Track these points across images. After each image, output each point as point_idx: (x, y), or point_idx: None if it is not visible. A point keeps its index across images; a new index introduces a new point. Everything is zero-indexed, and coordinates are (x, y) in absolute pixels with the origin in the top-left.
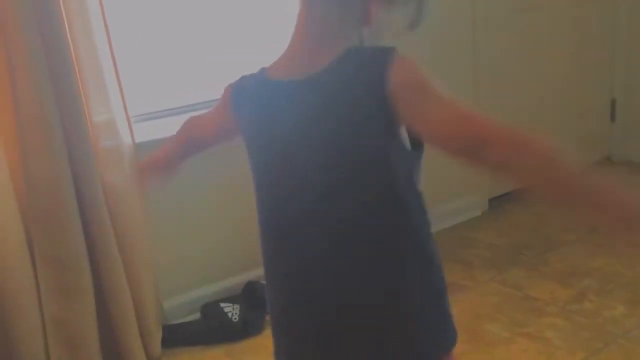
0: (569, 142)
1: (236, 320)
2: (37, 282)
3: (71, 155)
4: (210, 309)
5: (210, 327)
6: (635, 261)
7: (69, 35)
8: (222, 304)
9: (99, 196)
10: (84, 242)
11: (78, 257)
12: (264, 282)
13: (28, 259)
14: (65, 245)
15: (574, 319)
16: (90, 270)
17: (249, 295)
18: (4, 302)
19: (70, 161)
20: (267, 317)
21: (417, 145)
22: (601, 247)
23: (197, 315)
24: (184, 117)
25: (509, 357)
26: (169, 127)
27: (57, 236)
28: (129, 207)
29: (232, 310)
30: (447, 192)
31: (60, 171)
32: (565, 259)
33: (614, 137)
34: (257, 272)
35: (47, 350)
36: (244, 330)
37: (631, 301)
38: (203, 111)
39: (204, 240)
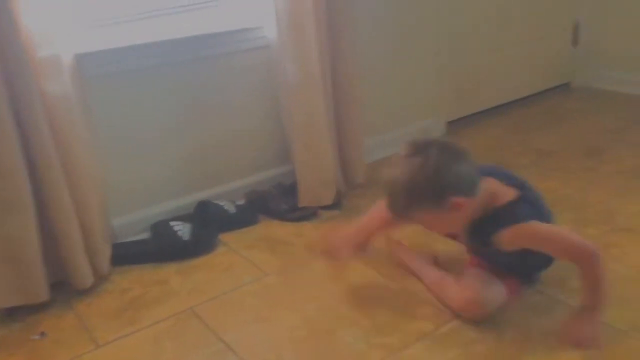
0: (529, 67)
1: (187, 239)
2: None
3: (5, 66)
4: (160, 228)
5: (160, 245)
6: (584, 184)
7: None
8: (172, 223)
9: (35, 106)
10: (20, 152)
11: (15, 168)
12: (216, 201)
13: None
14: (3, 162)
15: None
16: (30, 183)
17: (200, 215)
18: None
19: (3, 71)
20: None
21: None
22: (553, 171)
23: (147, 234)
24: (130, 27)
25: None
26: (114, 37)
27: None
28: (72, 122)
29: (182, 229)
30: (406, 116)
31: None
32: None
33: (575, 61)
34: (209, 192)
35: None
36: (195, 248)
37: (578, 222)
38: None
39: (154, 159)
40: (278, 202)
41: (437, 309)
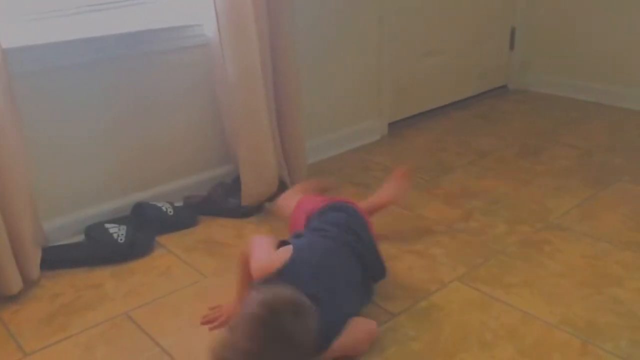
0: (469, 70)
1: (122, 242)
2: None
3: None
4: (95, 230)
5: (95, 248)
6: (519, 184)
7: None
8: (107, 225)
9: None
10: None
11: None
12: (153, 202)
13: None
14: None
15: (459, 237)
16: None
17: (137, 217)
18: None
19: None
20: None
21: None
22: (490, 171)
23: (81, 237)
24: (63, 21)
25: (395, 273)
26: (44, 32)
27: None
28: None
29: (117, 231)
30: (349, 116)
31: None
32: (455, 182)
33: (512, 65)
34: (146, 194)
35: None
36: (131, 251)
37: (513, 220)
38: None
39: (87, 159)
40: (224, 200)
41: (377, 307)
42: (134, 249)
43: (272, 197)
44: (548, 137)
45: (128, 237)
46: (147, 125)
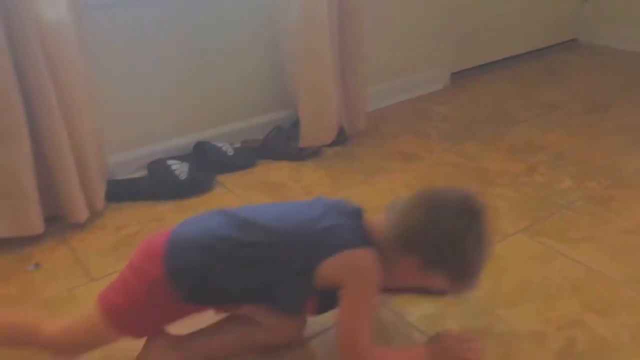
0: (538, 21)
1: (183, 178)
2: None
3: None
4: (157, 166)
5: (157, 183)
6: (587, 139)
7: None
8: (169, 161)
9: (29, 32)
10: (16, 82)
11: (9, 96)
12: (214, 142)
13: None
14: None
15: (523, 190)
16: (25, 115)
17: (198, 155)
18: None
19: None
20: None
21: None
22: (556, 125)
23: (143, 172)
24: None
25: None
26: None
27: None
28: (67, 53)
29: (179, 168)
30: (410, 65)
31: None
32: (520, 135)
33: (583, 17)
34: (207, 133)
35: None
36: (191, 188)
37: (579, 176)
38: None
39: (153, 97)
40: (283, 143)
41: None
42: (195, 186)
43: (331, 143)
44: (618, 94)
45: (189, 174)
46: (210, 69)
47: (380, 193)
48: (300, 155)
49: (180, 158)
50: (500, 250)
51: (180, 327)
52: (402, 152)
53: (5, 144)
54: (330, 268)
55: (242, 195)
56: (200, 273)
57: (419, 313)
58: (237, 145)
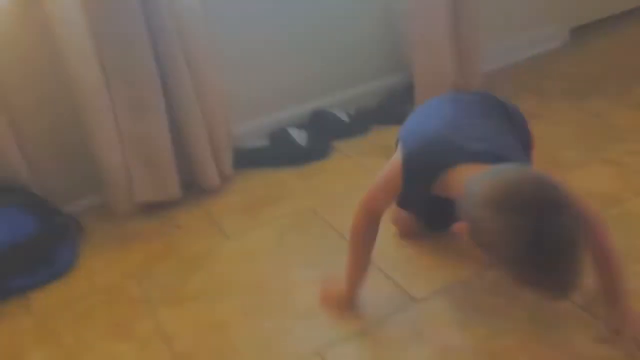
0: None
1: (304, 145)
2: (112, 100)
3: None
4: (279, 134)
5: (279, 150)
6: None
7: None
8: (289, 130)
9: (166, 19)
10: (154, 64)
11: (148, 72)
12: (330, 110)
13: (102, 80)
14: (138, 66)
15: None
16: (162, 89)
17: (316, 122)
18: (86, 118)
19: None
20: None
21: None
22: None
23: (265, 141)
24: None
25: (584, 180)
26: None
27: (129, 60)
28: (197, 31)
29: (299, 136)
30: (526, 22)
31: None
32: None
33: None
34: (324, 100)
35: (128, 167)
36: (311, 154)
37: None
38: None
39: (273, 70)
40: (397, 107)
41: None
42: (314, 152)
43: None
44: None
45: (309, 141)
46: (324, 38)
47: None
48: None
49: (298, 126)
50: (633, 208)
51: None
52: (521, 111)
53: (145, 114)
54: None
55: (359, 160)
56: None
57: None
58: (352, 111)
